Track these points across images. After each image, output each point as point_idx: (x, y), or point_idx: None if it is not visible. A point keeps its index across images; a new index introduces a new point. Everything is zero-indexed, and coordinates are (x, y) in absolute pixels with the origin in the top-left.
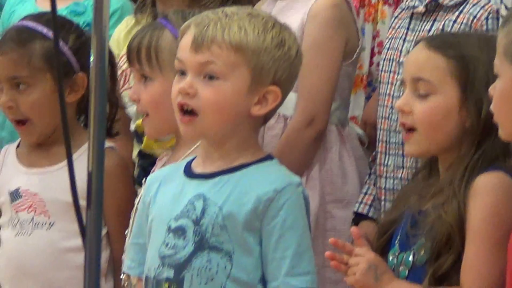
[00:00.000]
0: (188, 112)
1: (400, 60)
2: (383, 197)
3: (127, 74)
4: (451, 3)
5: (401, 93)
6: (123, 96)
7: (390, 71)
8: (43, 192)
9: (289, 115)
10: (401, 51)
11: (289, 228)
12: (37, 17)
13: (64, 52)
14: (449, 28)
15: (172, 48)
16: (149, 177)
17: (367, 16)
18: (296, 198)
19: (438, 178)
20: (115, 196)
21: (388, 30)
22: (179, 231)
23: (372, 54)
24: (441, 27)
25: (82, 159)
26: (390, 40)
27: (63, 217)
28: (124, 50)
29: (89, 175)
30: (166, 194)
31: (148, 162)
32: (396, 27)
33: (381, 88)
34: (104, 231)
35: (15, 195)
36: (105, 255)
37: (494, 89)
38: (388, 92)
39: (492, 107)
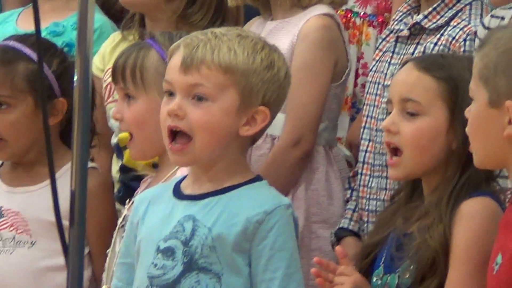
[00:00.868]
0: (178, 134)
1: (385, 83)
2: (365, 219)
3: (111, 87)
4: (433, 26)
5: (385, 115)
6: (107, 108)
7: (376, 94)
8: (25, 211)
9: (277, 135)
10: (386, 74)
11: (278, 249)
12: (23, 38)
13: (47, 76)
14: (430, 50)
15: (157, 68)
16: (137, 197)
17: (351, 37)
18: (286, 220)
19: (421, 199)
20: (97, 215)
21: (375, 51)
22: (168, 252)
23: (357, 76)
24: (422, 49)
25: (64, 178)
26: (376, 63)
27: (45, 236)
28: (110, 64)
29: (72, 194)
30: (155, 215)
31: (129, 177)
32: (384, 49)
33: (365, 110)
34: (86, 250)
35: None
36: (87, 273)
37: (469, 113)
38: (372, 114)
39: (467, 130)
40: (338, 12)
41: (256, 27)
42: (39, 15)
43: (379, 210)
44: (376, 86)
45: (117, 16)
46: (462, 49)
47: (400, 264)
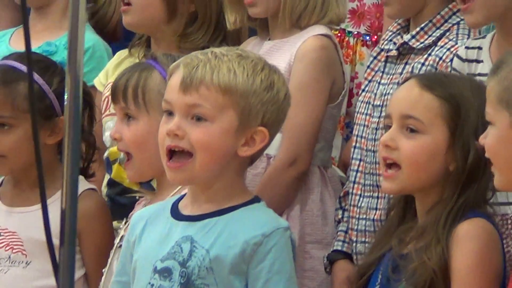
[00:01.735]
0: (175, 154)
1: (375, 103)
2: (354, 238)
3: (109, 100)
4: (421, 46)
5: (376, 136)
6: (104, 122)
7: (366, 114)
8: (21, 231)
9: (272, 155)
10: (375, 94)
11: (276, 272)
12: (23, 57)
13: (47, 95)
14: (418, 70)
15: (160, 88)
16: (134, 215)
17: (345, 57)
18: (284, 242)
19: (414, 219)
20: (95, 237)
21: (367, 70)
22: (165, 273)
23: (351, 95)
24: (410, 69)
25: None
26: (368, 83)
27: (40, 257)
28: (111, 78)
29: (63, 213)
30: (152, 235)
31: (116, 191)
32: (375, 69)
33: (355, 129)
34: (82, 272)
35: None
36: None
37: (486, 138)
38: (363, 134)
39: (488, 154)
40: (332, 31)
41: (253, 47)
42: (28, 28)
43: (369, 230)
44: (366, 105)
45: (110, 35)
46: (449, 70)
47: (396, 286)
